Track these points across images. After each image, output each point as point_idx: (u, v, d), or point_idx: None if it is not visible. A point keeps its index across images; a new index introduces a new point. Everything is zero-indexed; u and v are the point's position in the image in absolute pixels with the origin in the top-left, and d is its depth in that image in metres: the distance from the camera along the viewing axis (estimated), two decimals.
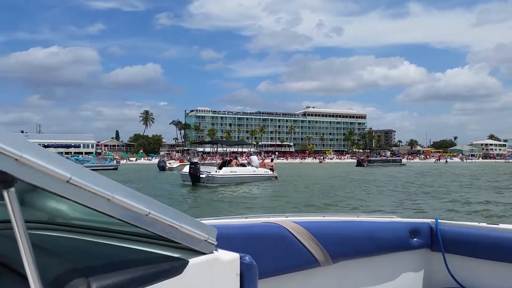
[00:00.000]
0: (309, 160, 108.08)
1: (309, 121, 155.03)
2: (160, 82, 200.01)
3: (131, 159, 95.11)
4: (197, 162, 26.28)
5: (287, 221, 2.00)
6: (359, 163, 63.82)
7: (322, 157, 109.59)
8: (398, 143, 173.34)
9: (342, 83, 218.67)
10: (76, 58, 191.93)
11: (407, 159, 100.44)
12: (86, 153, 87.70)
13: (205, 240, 1.13)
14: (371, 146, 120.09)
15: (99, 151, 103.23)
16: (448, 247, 2.29)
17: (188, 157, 67.36)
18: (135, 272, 0.98)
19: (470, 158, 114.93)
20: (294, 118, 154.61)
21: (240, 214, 2.24)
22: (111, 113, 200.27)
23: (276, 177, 27.79)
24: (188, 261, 1.09)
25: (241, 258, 1.21)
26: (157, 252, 1.14)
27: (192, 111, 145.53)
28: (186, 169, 24.73)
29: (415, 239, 2.33)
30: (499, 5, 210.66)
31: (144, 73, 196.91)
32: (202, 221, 1.16)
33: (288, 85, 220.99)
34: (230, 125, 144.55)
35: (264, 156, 41.82)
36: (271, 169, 28.65)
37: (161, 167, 51.08)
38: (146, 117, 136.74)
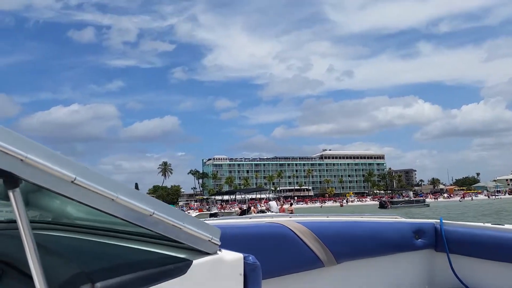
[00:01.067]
0: (329, 203, 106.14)
1: (327, 164, 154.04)
2: (177, 133, 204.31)
3: None
4: (216, 212, 26.22)
5: (291, 221, 1.99)
6: (382, 205, 62.33)
7: (342, 200, 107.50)
8: (420, 183, 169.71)
9: (357, 124, 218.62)
10: (96, 115, 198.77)
11: (431, 198, 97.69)
12: None
13: (209, 240, 1.13)
14: (392, 186, 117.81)
15: None
16: (452, 247, 2.26)
17: (207, 206, 67.34)
18: (139, 272, 0.98)
19: (496, 194, 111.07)
20: (311, 162, 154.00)
21: None
22: (131, 165, 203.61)
23: None
24: (192, 261, 1.09)
25: (244, 258, 1.21)
26: (161, 252, 1.15)
27: (209, 159, 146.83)
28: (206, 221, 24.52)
29: (419, 240, 2.30)
30: (508, 40, 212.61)
31: (161, 126, 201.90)
32: (205, 222, 1.17)
33: (303, 129, 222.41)
34: (248, 171, 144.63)
35: (283, 201, 41.54)
36: (291, 213, 28.15)
37: None
38: (165, 168, 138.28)
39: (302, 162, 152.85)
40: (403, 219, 2.42)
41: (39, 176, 0.77)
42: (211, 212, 27.35)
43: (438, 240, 2.33)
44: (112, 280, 0.92)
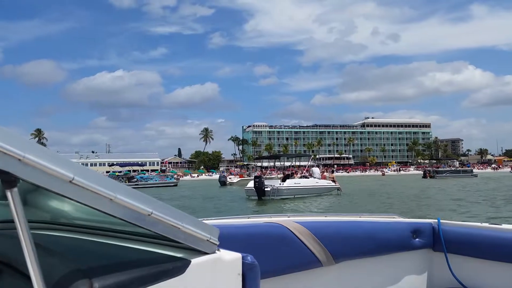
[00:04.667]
0: (370, 172, 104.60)
1: (369, 132, 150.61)
2: (217, 100, 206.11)
3: (193, 175, 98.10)
4: (261, 176, 26.43)
5: (289, 221, 2.00)
6: (426, 175, 60.64)
7: (384, 169, 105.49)
8: (466, 153, 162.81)
9: (402, 91, 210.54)
10: (139, 81, 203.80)
11: (478, 169, 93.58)
12: (152, 170, 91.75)
13: (207, 240, 1.13)
14: (437, 156, 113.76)
15: (163, 168, 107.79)
16: (450, 247, 2.27)
17: (247, 172, 68.44)
18: (137, 272, 0.98)
19: None
20: (352, 130, 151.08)
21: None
22: (173, 131, 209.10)
23: (339, 189, 27.21)
24: (190, 261, 1.09)
25: (243, 258, 1.20)
26: (160, 252, 1.15)
27: (249, 126, 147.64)
28: (250, 184, 24.94)
29: (417, 239, 2.31)
30: None
31: (201, 92, 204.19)
32: (204, 221, 1.16)
33: (343, 97, 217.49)
34: (287, 139, 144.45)
35: (323, 169, 40.98)
36: (333, 181, 28.14)
37: (222, 182, 52.36)
38: (206, 135, 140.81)
39: (342, 130, 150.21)
40: (401, 219, 2.42)
41: (37, 175, 0.76)
42: (255, 175, 27.61)
43: (436, 239, 2.33)
44: (110, 280, 0.92)
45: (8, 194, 0.77)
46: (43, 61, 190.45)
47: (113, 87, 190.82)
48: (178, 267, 1.06)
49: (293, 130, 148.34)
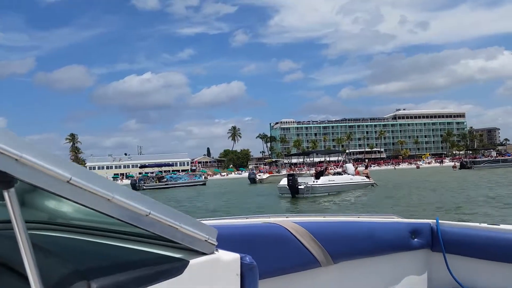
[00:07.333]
0: (403, 165, 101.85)
1: (401, 124, 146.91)
2: (243, 98, 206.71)
3: (222, 174, 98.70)
4: (294, 174, 26.04)
5: (288, 221, 2.00)
6: (463, 166, 58.37)
7: (418, 162, 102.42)
8: (504, 142, 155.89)
9: (433, 80, 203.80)
10: (166, 83, 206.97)
11: None
12: (182, 170, 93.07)
13: (206, 240, 1.13)
14: (473, 146, 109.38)
15: (193, 168, 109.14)
16: (449, 247, 2.27)
17: (277, 169, 68.16)
18: (135, 272, 0.98)
19: None
20: (383, 123, 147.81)
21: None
22: (201, 131, 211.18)
23: (373, 184, 26.39)
24: (189, 262, 1.08)
25: (241, 258, 1.20)
26: (158, 252, 1.14)
27: (276, 123, 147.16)
28: (283, 181, 24.55)
29: (415, 240, 2.31)
30: None
31: (227, 91, 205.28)
32: (202, 222, 1.16)
33: (372, 89, 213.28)
34: (315, 134, 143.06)
35: (355, 164, 40.02)
36: (367, 177, 27.38)
37: (252, 179, 52.46)
38: (234, 133, 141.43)
39: (373, 123, 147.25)
40: (399, 219, 2.41)
41: (34, 175, 0.76)
42: (289, 173, 27.24)
43: (435, 240, 2.32)
44: (108, 281, 0.92)
45: (5, 194, 0.77)
46: (73, 67, 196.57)
47: (141, 90, 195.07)
48: (176, 268, 1.05)
49: (321, 125, 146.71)
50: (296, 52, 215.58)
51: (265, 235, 1.85)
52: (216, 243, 1.16)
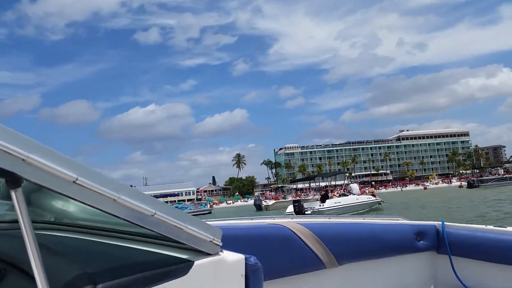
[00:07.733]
0: (410, 187, 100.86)
1: (405, 145, 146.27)
2: (246, 125, 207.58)
3: (228, 201, 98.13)
4: (299, 200, 26.12)
5: (292, 222, 2.00)
6: (471, 185, 57.74)
7: (425, 183, 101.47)
8: (511, 159, 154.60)
9: (434, 100, 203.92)
10: (170, 114, 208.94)
11: None
12: (188, 200, 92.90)
13: (211, 241, 1.13)
14: (479, 165, 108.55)
15: (199, 197, 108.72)
16: (454, 249, 2.26)
17: (283, 195, 67.83)
18: (140, 272, 0.99)
19: None
20: (387, 144, 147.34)
21: None
22: (206, 160, 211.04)
23: (380, 203, 26.25)
24: (194, 262, 1.09)
25: (246, 259, 1.20)
26: (163, 252, 1.15)
27: (281, 149, 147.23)
28: (289, 208, 24.61)
29: (421, 242, 2.30)
30: None
31: (230, 119, 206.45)
32: (207, 222, 1.16)
33: (373, 111, 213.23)
34: (320, 158, 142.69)
35: (361, 187, 39.69)
36: (373, 195, 27.27)
37: (258, 205, 51.93)
38: (239, 160, 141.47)
39: (377, 145, 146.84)
40: (405, 221, 2.41)
41: (41, 175, 0.77)
42: (294, 199, 27.28)
43: (440, 242, 2.32)
44: (113, 281, 0.93)
45: (12, 194, 0.78)
46: (77, 102, 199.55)
47: (146, 122, 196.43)
48: (181, 268, 1.06)
49: (325, 149, 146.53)
50: (297, 78, 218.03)
51: (269, 236, 1.86)
52: (221, 244, 1.16)
